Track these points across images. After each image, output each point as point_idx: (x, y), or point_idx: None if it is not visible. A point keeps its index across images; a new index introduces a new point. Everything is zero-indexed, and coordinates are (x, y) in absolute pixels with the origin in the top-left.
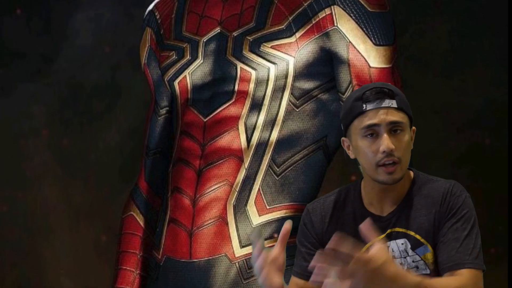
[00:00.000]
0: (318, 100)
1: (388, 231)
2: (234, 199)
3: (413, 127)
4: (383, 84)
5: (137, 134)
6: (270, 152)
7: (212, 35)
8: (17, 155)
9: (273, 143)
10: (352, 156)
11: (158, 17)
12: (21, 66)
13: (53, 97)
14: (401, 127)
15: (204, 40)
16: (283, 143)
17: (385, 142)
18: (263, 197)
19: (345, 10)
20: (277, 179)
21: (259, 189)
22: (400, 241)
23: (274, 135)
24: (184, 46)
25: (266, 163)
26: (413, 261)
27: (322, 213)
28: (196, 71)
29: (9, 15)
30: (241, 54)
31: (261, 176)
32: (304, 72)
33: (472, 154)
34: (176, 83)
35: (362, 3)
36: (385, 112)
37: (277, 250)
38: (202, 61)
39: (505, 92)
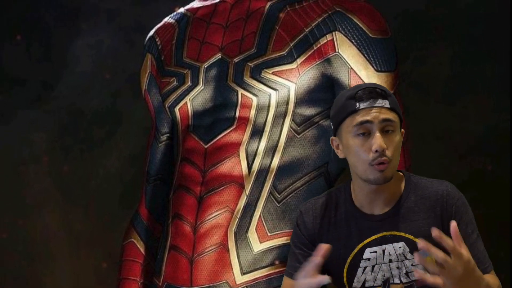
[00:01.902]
0: (320, 126)
1: (383, 233)
2: (235, 226)
3: (402, 130)
4: (375, 85)
5: (137, 161)
6: (271, 179)
7: (213, 61)
8: (17, 182)
9: (274, 169)
10: (341, 155)
11: (158, 43)
12: (21, 93)
13: (53, 124)
14: (393, 127)
15: (205, 66)
16: (284, 170)
17: (378, 141)
18: (264, 224)
19: (346, 36)
20: (278, 205)
21: (260, 215)
22: (398, 245)
23: (275, 161)
24: (185, 72)
25: (267, 189)
26: (412, 265)
27: (314, 214)
28: (197, 98)
29: (9, 41)
30: (242, 80)
31: (262, 203)
32: (305, 99)
33: (474, 180)
34: (176, 109)
35: (364, 29)
36: (378, 111)
37: None
38: (203, 87)
39: (507, 119)
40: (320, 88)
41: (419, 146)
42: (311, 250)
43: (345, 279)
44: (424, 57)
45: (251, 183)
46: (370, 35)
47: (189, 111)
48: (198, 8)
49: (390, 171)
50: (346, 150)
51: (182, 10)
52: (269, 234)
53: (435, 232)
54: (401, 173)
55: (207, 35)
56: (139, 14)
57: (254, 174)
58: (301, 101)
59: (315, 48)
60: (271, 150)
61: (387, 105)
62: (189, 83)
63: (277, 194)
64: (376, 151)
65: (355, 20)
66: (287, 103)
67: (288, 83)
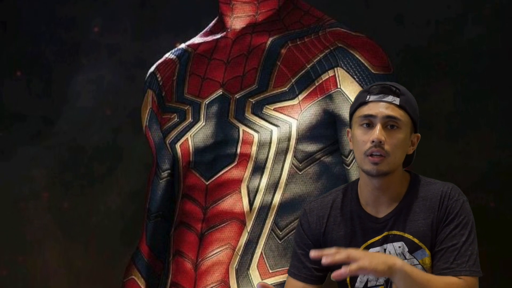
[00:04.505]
0: (321, 163)
1: (385, 233)
2: (236, 263)
3: (418, 134)
4: (394, 84)
5: (138, 197)
6: (273, 216)
7: (214, 97)
8: (17, 219)
9: (276, 206)
10: (351, 146)
11: (159, 79)
12: (21, 129)
13: (54, 160)
14: (398, 124)
15: (206, 102)
16: (286, 207)
17: (376, 132)
18: (266, 261)
19: (348, 72)
20: (280, 242)
21: (261, 252)
22: (397, 244)
23: (277, 198)
24: (186, 108)
25: (269, 226)
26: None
27: (320, 213)
28: (198, 134)
29: (9, 77)
30: (244, 117)
31: (264, 240)
32: (307, 135)
33: (477, 217)
34: (177, 145)
35: (366, 65)
36: (385, 106)
37: None
38: (204, 123)
39: (510, 155)
40: (322, 124)
41: None
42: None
43: (347, 279)
44: (427, 94)
45: (253, 220)
46: (372, 71)
47: (190, 148)
48: (199, 44)
49: (386, 165)
50: (352, 140)
51: (183, 46)
52: (270, 271)
53: (312, 254)
54: (407, 173)
55: (208, 71)
56: (140, 49)
57: (256, 210)
58: (302, 137)
59: (316, 84)
60: (273, 186)
61: (396, 102)
62: (190, 119)
63: (279, 231)
64: (373, 141)
65: (357, 56)
66: (289, 139)
67: (289, 119)
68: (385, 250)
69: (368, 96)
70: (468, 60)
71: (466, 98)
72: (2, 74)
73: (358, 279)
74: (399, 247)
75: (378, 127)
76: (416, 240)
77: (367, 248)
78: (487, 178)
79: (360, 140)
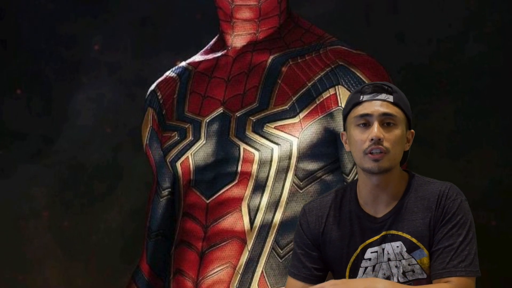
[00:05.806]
0: (322, 181)
1: (383, 233)
2: (237, 281)
3: (412, 130)
4: (385, 82)
5: (138, 216)
6: (274, 234)
7: (214, 115)
8: (17, 237)
9: (277, 225)
10: (347, 148)
11: (160, 97)
12: (21, 147)
13: (54, 178)
14: (394, 121)
15: (207, 121)
16: (286, 225)
17: (374, 130)
18: (267, 279)
19: (349, 90)
20: (281, 261)
21: (262, 271)
22: (396, 244)
23: (278, 216)
24: (187, 126)
25: (270, 245)
26: (408, 265)
27: (319, 213)
28: (198, 152)
29: (9, 95)
30: (244, 135)
31: (265, 258)
32: (308, 153)
33: (478, 235)
34: (178, 164)
35: (367, 83)
36: (379, 104)
37: None
38: (204, 141)
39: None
40: (323, 143)
41: None
42: (312, 251)
43: (346, 275)
44: (428, 112)
45: (253, 238)
46: None
47: (191, 166)
48: (199, 62)
49: (387, 162)
50: (349, 141)
51: (183, 64)
52: None
53: None
54: (406, 172)
55: (208, 89)
56: (140, 67)
57: (256, 229)
58: (303, 155)
59: (317, 103)
60: (274, 205)
61: (390, 100)
62: (190, 138)
63: (280, 250)
64: (372, 139)
65: (358, 74)
66: (290, 157)
67: (290, 137)
68: (383, 249)
69: (361, 96)
70: (469, 78)
71: (468, 116)
72: (2, 92)
73: (357, 278)
74: (397, 246)
75: (376, 125)
76: (414, 240)
77: (366, 248)
78: (488, 196)
79: (358, 139)
